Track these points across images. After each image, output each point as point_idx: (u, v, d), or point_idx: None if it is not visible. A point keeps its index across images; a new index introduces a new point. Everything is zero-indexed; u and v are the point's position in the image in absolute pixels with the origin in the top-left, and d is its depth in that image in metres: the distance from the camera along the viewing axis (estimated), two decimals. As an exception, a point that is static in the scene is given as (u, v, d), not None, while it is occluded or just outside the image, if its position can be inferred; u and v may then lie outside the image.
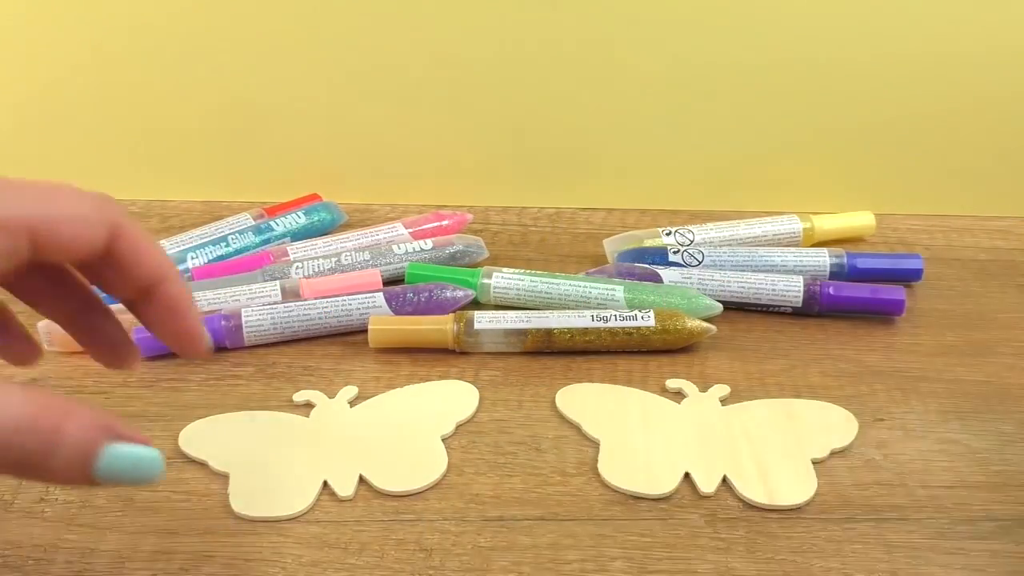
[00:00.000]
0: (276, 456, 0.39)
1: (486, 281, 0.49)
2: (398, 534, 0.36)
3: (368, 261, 0.52)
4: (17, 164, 0.60)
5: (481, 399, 0.43)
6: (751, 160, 0.59)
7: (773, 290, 0.49)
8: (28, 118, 0.59)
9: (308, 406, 0.42)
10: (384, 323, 0.46)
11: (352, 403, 0.43)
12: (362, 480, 0.38)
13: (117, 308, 0.32)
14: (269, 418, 0.42)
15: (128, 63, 0.57)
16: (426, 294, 0.48)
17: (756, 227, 0.55)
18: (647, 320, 0.45)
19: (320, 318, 0.47)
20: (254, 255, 0.53)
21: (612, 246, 0.54)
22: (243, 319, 0.46)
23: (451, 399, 0.43)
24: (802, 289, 0.48)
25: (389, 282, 0.51)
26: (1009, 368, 0.45)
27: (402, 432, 0.41)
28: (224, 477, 0.38)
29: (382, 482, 0.38)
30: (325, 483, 0.38)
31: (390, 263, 0.52)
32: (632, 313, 0.46)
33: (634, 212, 0.60)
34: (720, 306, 0.48)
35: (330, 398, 0.43)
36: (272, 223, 0.55)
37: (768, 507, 0.37)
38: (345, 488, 0.37)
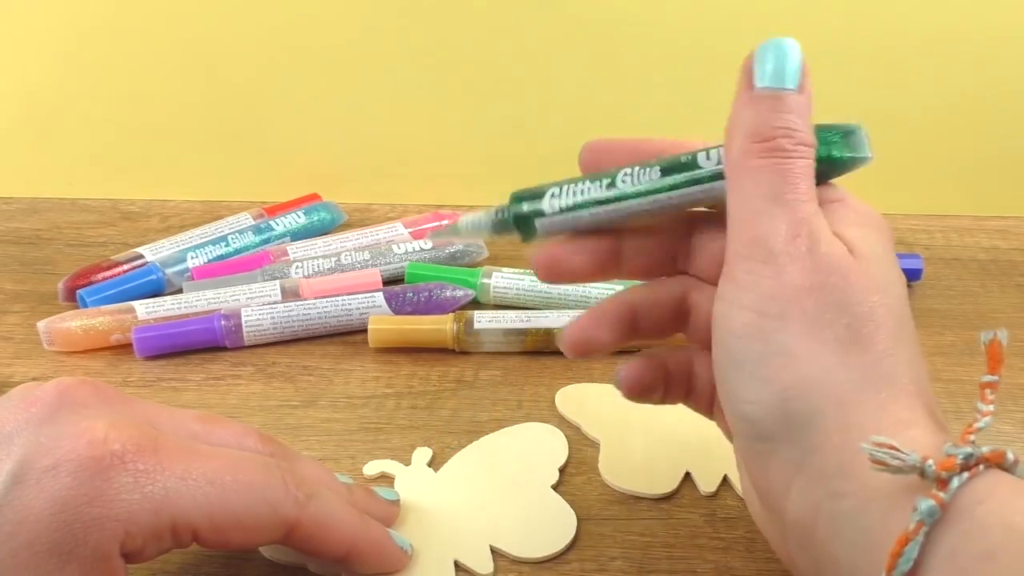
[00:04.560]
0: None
1: (486, 281, 0.49)
2: None
3: (368, 261, 0.52)
4: (17, 163, 0.61)
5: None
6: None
7: (773, 290, 0.49)
8: (28, 117, 0.59)
9: (385, 478, 0.38)
10: (384, 323, 0.46)
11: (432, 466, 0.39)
12: (494, 552, 0.34)
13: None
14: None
15: (128, 63, 0.57)
16: (426, 294, 0.48)
17: (756, 227, 0.55)
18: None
19: (320, 318, 0.47)
20: (254, 255, 0.53)
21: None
22: (243, 319, 0.46)
23: (538, 443, 0.40)
24: (802, 289, 0.48)
25: (389, 282, 0.51)
26: (1008, 368, 0.45)
27: (511, 490, 0.37)
28: None
29: (520, 550, 0.34)
30: (457, 563, 0.34)
31: (390, 263, 0.52)
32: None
33: (634, 212, 0.60)
34: None
35: (404, 465, 0.38)
36: (272, 223, 0.55)
37: (768, 507, 0.37)
38: (483, 565, 0.34)
